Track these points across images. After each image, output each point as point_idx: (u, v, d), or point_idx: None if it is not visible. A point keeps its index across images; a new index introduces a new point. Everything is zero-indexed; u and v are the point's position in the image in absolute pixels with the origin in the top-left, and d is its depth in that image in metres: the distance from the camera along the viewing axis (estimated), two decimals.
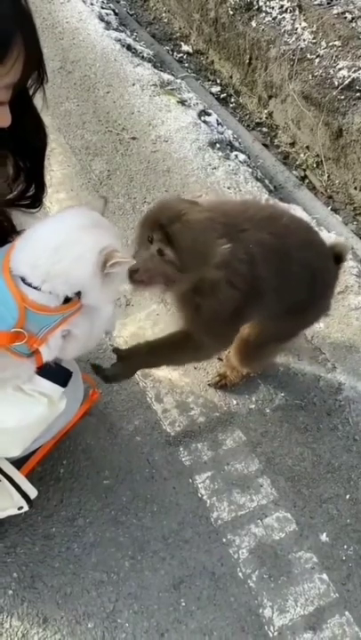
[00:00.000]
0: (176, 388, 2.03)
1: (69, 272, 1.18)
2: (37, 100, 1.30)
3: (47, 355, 1.26)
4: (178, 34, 4.08)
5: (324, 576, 1.69)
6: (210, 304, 1.55)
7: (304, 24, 3.23)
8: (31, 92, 1.25)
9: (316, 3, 3.27)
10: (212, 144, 2.90)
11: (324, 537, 1.75)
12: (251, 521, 1.77)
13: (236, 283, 1.54)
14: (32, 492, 1.45)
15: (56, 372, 1.31)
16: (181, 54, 3.91)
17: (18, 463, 1.49)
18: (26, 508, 1.48)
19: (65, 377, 1.32)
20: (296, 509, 1.80)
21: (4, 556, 1.64)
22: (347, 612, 1.63)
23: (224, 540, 1.73)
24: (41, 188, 1.43)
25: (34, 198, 1.42)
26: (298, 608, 1.64)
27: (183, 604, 1.62)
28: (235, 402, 2.01)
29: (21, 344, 1.19)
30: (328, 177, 3.12)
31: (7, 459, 1.42)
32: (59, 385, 1.30)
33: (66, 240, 1.19)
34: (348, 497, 1.83)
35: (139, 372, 2.06)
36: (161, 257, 1.45)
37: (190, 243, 1.43)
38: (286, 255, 1.67)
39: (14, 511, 1.49)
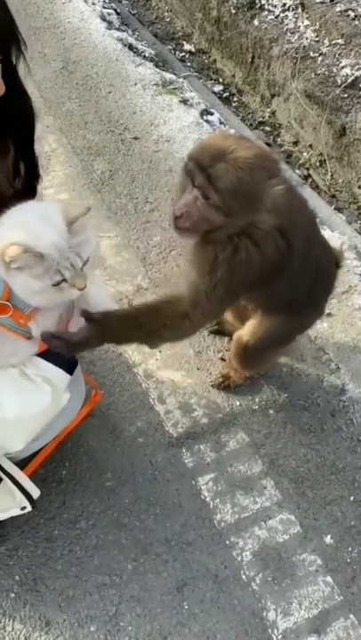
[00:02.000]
0: (179, 389, 2.02)
1: None
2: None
3: (36, 331, 1.25)
4: (180, 33, 4.07)
5: (329, 579, 1.67)
6: (252, 254, 1.39)
7: (307, 22, 3.21)
8: (13, 61, 1.24)
9: (318, 1, 3.25)
10: None
11: (328, 539, 1.74)
12: (254, 523, 1.75)
13: (281, 235, 1.40)
14: (35, 492, 1.44)
15: (60, 356, 1.30)
16: (184, 53, 3.90)
17: (20, 464, 1.48)
18: (29, 508, 1.47)
19: (70, 362, 1.31)
20: (300, 511, 1.78)
21: (7, 559, 1.63)
22: (351, 615, 1.62)
23: (227, 542, 1.71)
24: (34, 175, 1.41)
25: (28, 187, 1.41)
26: (302, 611, 1.62)
27: (186, 606, 1.60)
28: (238, 403, 2.00)
29: (7, 317, 1.19)
30: (331, 176, 3.10)
31: (10, 459, 1.41)
32: (63, 370, 1.29)
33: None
34: (352, 499, 1.82)
35: (140, 373, 2.05)
36: (205, 201, 1.33)
37: (237, 184, 1.28)
38: (308, 243, 1.59)
39: (17, 511, 1.48)
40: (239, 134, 1.41)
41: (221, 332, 2.15)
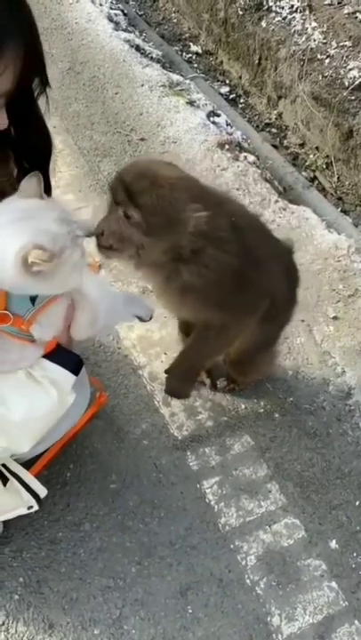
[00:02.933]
0: None
1: None
2: (41, 105, 1.29)
3: (41, 334, 1.25)
4: (187, 34, 4.07)
5: (334, 584, 1.66)
6: (197, 272, 1.40)
7: (314, 24, 3.20)
8: (35, 95, 1.24)
9: (326, 2, 3.25)
10: (221, 145, 2.88)
11: (333, 544, 1.73)
12: (259, 527, 1.75)
13: (222, 247, 1.40)
14: (42, 491, 1.44)
15: (65, 357, 1.30)
16: (190, 55, 3.90)
17: (25, 466, 1.47)
18: (36, 507, 1.47)
19: (75, 363, 1.31)
20: (305, 516, 1.77)
21: (10, 561, 1.63)
22: (356, 621, 1.61)
23: (232, 546, 1.71)
24: (47, 190, 1.42)
25: None
26: (307, 616, 1.61)
27: (190, 610, 1.60)
28: (243, 406, 1.99)
29: (9, 326, 1.19)
30: (338, 178, 3.09)
31: (16, 461, 1.41)
32: (69, 371, 1.29)
33: None
34: (357, 503, 1.81)
35: (146, 375, 2.04)
36: (127, 219, 1.33)
37: (156, 201, 1.29)
38: (266, 240, 1.62)
39: (24, 510, 1.47)
40: (167, 161, 1.45)
41: None
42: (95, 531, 1.70)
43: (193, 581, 1.64)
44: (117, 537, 1.69)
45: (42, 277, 1.15)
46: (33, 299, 1.21)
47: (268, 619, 1.60)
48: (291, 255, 1.80)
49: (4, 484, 1.38)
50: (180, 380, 1.82)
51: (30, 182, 1.22)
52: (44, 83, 1.23)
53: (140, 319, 1.54)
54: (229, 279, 1.46)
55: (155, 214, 1.31)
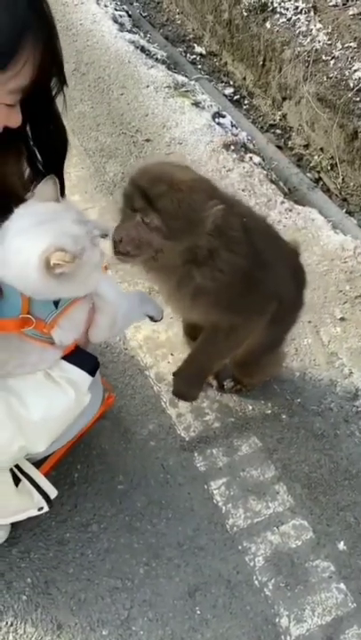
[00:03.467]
0: None
1: (19, 280, 1.17)
2: (58, 104, 1.29)
3: (61, 337, 1.26)
4: (191, 35, 4.07)
5: (342, 585, 1.66)
6: (211, 275, 1.40)
7: (319, 25, 3.20)
8: (53, 93, 1.24)
9: (331, 4, 3.25)
10: (226, 146, 2.89)
11: (341, 545, 1.72)
12: (267, 528, 1.74)
13: (235, 249, 1.40)
14: (52, 492, 1.44)
15: (83, 359, 1.31)
16: (195, 56, 3.90)
17: (34, 466, 1.47)
18: (46, 508, 1.47)
19: (92, 364, 1.32)
20: (313, 517, 1.77)
21: (19, 561, 1.63)
22: None
23: (240, 547, 1.70)
24: (61, 190, 1.42)
25: None
26: (315, 618, 1.61)
27: (198, 612, 1.59)
28: (250, 407, 1.99)
29: (32, 329, 1.20)
30: (343, 179, 3.09)
31: (27, 460, 1.41)
32: (86, 372, 1.30)
33: (8, 249, 1.16)
34: None
35: (152, 376, 2.04)
36: (146, 224, 1.33)
37: (177, 205, 1.29)
38: (273, 242, 1.63)
39: (34, 512, 1.48)
40: (177, 162, 1.46)
41: None
42: (103, 532, 1.70)
43: (201, 582, 1.64)
44: (125, 538, 1.69)
45: (64, 279, 1.16)
46: (56, 302, 1.22)
47: (277, 620, 1.60)
48: (298, 257, 1.80)
49: (17, 485, 1.38)
50: (187, 383, 1.82)
51: (47, 185, 1.23)
52: (62, 81, 1.23)
53: (152, 319, 1.55)
54: (240, 281, 1.46)
55: (175, 218, 1.31)
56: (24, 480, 1.40)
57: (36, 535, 1.67)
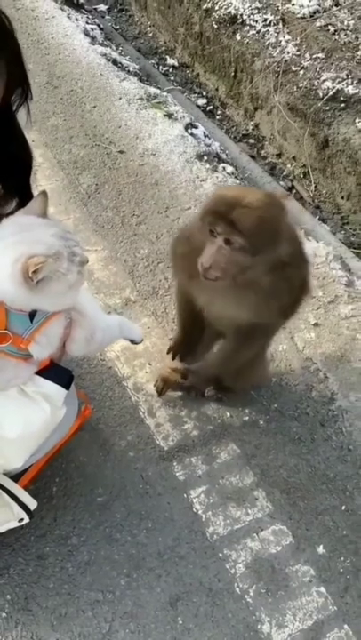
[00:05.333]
0: (169, 401, 2.01)
1: None
2: (22, 117, 1.30)
3: (38, 352, 1.27)
4: (163, 47, 4.11)
5: (322, 589, 1.67)
6: (298, 277, 1.57)
7: (288, 37, 3.26)
8: (14, 108, 1.25)
9: (299, 16, 3.31)
10: (199, 156, 2.92)
11: (320, 549, 1.74)
12: (247, 535, 1.75)
13: (303, 257, 1.60)
14: (32, 504, 1.44)
15: (58, 373, 1.32)
16: (167, 68, 3.94)
17: (12, 480, 1.46)
18: (26, 519, 1.47)
19: (67, 377, 1.34)
20: (292, 522, 1.78)
21: None
22: (346, 626, 1.62)
23: (220, 555, 1.71)
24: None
25: None
26: (296, 622, 1.62)
27: (180, 621, 1.59)
28: (228, 414, 2.00)
29: (9, 345, 1.20)
30: (315, 187, 3.14)
31: (5, 474, 1.41)
32: (61, 386, 1.30)
33: None
34: (343, 508, 1.82)
35: (130, 386, 2.05)
36: (229, 247, 1.42)
37: (259, 222, 1.39)
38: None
39: (15, 524, 1.48)
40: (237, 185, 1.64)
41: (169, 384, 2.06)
42: (83, 544, 1.69)
43: (182, 592, 1.64)
44: (105, 550, 1.69)
45: (44, 285, 1.16)
46: (32, 316, 1.22)
47: (259, 626, 1.60)
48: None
49: None
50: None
51: (37, 201, 1.26)
52: (26, 94, 1.24)
53: (133, 342, 1.61)
54: (299, 286, 1.62)
55: (258, 235, 1.40)
56: (2, 493, 1.40)
57: (15, 550, 1.66)
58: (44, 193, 1.27)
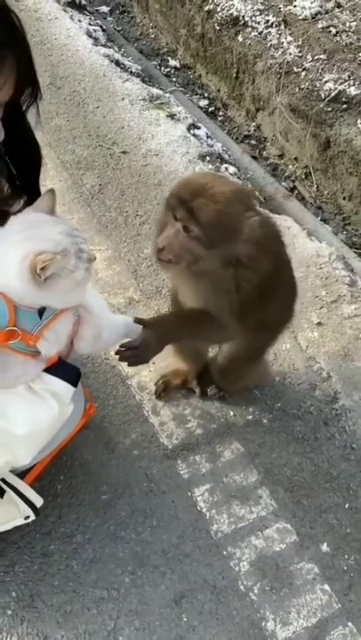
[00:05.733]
0: (173, 400, 2.02)
1: (5, 287, 1.20)
2: (31, 117, 1.31)
3: (47, 349, 1.27)
4: (165, 49, 4.13)
5: (326, 587, 1.68)
6: (250, 280, 1.49)
7: (290, 38, 3.28)
8: (24, 108, 1.26)
9: (301, 17, 3.33)
10: (202, 157, 2.93)
11: (324, 547, 1.74)
12: (251, 533, 1.76)
13: (270, 259, 1.50)
14: (38, 501, 1.45)
15: (66, 371, 1.33)
16: (169, 69, 3.95)
17: (18, 477, 1.47)
18: (32, 517, 1.48)
19: (75, 375, 1.34)
20: (296, 520, 1.79)
21: (3, 575, 1.62)
22: (350, 623, 1.62)
23: (224, 552, 1.71)
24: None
25: None
26: (301, 620, 1.62)
27: (185, 619, 1.60)
28: (232, 413, 2.01)
29: (18, 342, 1.21)
30: (317, 188, 3.15)
31: (11, 472, 1.41)
32: (69, 383, 1.31)
33: None
34: (347, 506, 1.83)
35: (134, 385, 2.05)
36: (187, 234, 1.41)
37: (217, 216, 1.37)
38: (286, 260, 1.68)
39: (21, 521, 1.48)
40: (217, 173, 1.56)
41: (170, 388, 2.05)
42: (87, 542, 1.69)
43: (187, 589, 1.64)
44: (110, 547, 1.69)
45: (52, 282, 1.17)
46: (40, 313, 1.23)
47: (263, 624, 1.61)
48: (292, 270, 1.81)
49: (2, 496, 1.38)
50: (159, 338, 1.63)
51: (44, 198, 1.27)
52: (36, 95, 1.25)
53: None
54: (262, 291, 1.53)
55: (214, 228, 1.38)
56: (8, 490, 1.40)
57: (21, 548, 1.66)
58: (51, 191, 1.28)
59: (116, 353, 1.59)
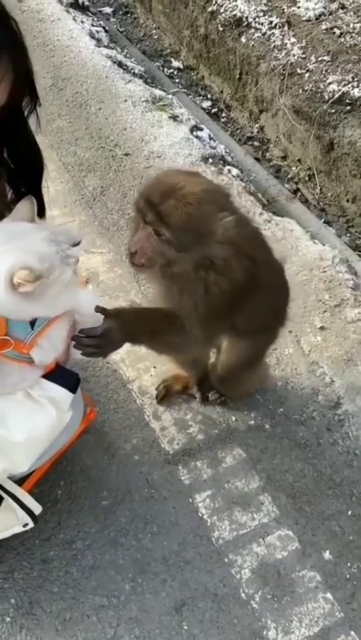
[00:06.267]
0: (174, 404, 2.00)
1: None
2: (31, 122, 1.30)
3: (41, 356, 1.26)
4: (168, 50, 4.11)
5: (329, 595, 1.66)
6: (220, 284, 1.42)
7: (293, 39, 3.26)
8: (25, 114, 1.25)
9: (304, 18, 3.31)
10: (204, 159, 2.91)
11: (327, 555, 1.72)
12: (252, 540, 1.74)
13: (244, 263, 1.43)
14: (36, 508, 1.44)
15: (64, 376, 1.32)
16: (172, 70, 3.94)
17: (17, 483, 1.46)
18: (31, 524, 1.47)
19: (73, 381, 1.33)
20: (298, 527, 1.77)
21: (2, 582, 1.60)
22: (352, 632, 1.60)
23: (226, 560, 1.70)
24: (41, 209, 1.43)
25: None
26: (303, 629, 1.60)
27: (185, 627, 1.58)
28: (234, 418, 1.99)
29: (11, 350, 1.19)
30: (320, 190, 3.13)
31: (10, 478, 1.40)
32: (68, 389, 1.29)
33: None
34: (350, 513, 1.81)
35: (135, 389, 2.04)
36: (158, 237, 1.36)
37: (186, 219, 1.32)
38: (268, 260, 1.63)
39: (20, 528, 1.47)
40: (190, 170, 1.47)
41: (171, 393, 2.02)
42: (87, 548, 1.68)
43: (188, 597, 1.62)
44: (110, 554, 1.68)
45: (30, 297, 1.15)
46: (32, 322, 1.22)
47: (265, 633, 1.59)
48: (283, 272, 1.78)
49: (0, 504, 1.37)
50: (120, 329, 1.48)
51: (23, 206, 1.24)
52: (34, 100, 1.24)
53: None
54: (235, 296, 1.47)
55: (185, 231, 1.33)
56: (7, 498, 1.39)
57: (20, 554, 1.65)
58: (29, 197, 1.26)
59: (73, 338, 1.37)
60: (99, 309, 1.40)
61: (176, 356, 1.88)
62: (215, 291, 1.43)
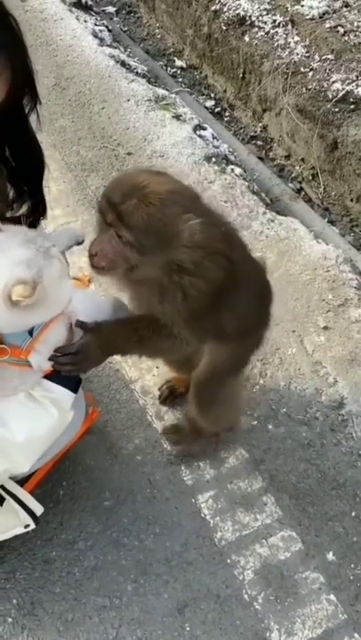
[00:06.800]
0: (177, 405, 1.99)
1: None
2: (32, 121, 1.30)
3: (39, 361, 1.25)
4: (171, 49, 4.10)
5: (332, 597, 1.65)
6: (198, 286, 1.35)
7: (297, 38, 3.24)
8: (26, 112, 1.25)
9: (308, 17, 3.29)
10: (207, 158, 2.90)
11: (330, 556, 1.71)
12: (255, 541, 1.73)
13: (220, 263, 1.35)
14: (38, 509, 1.43)
15: (65, 377, 1.31)
16: (175, 69, 3.93)
17: (19, 484, 1.45)
18: (32, 525, 1.46)
19: (75, 381, 1.33)
20: (301, 528, 1.76)
21: (4, 582, 1.60)
22: (356, 634, 1.59)
23: (228, 561, 1.69)
24: (42, 209, 1.42)
25: (32, 219, 1.42)
26: (306, 630, 1.59)
27: (188, 628, 1.57)
28: None
29: (8, 357, 1.20)
30: (324, 189, 3.12)
31: (11, 479, 1.40)
32: (69, 390, 1.29)
33: None
34: (353, 514, 1.80)
35: (138, 390, 2.03)
36: (119, 239, 1.29)
37: (148, 220, 1.25)
38: (245, 262, 1.55)
39: (21, 530, 1.47)
40: (157, 170, 1.40)
41: (174, 393, 1.99)
42: (89, 549, 1.67)
43: (190, 598, 1.62)
44: (112, 555, 1.67)
45: (34, 305, 1.15)
46: (30, 331, 1.22)
47: (267, 634, 1.58)
48: (265, 274, 1.69)
49: (1, 504, 1.37)
50: (100, 344, 1.43)
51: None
52: (34, 99, 1.24)
53: None
54: (211, 299, 1.40)
55: (147, 234, 1.27)
56: (8, 499, 1.39)
57: (22, 555, 1.65)
58: None
59: (50, 359, 1.33)
60: (78, 324, 1.36)
61: (170, 357, 1.79)
62: (193, 293, 1.37)
